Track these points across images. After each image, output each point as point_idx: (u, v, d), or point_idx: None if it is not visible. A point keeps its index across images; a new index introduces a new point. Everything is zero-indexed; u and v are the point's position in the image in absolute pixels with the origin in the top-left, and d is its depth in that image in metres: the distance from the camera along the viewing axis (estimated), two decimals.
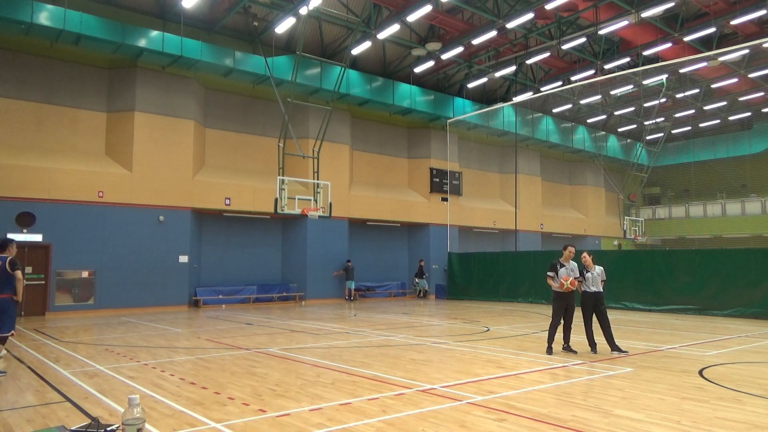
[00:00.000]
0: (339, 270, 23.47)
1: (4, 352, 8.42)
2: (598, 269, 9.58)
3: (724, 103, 32.12)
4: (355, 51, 22.10)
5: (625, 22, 20.74)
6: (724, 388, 6.68)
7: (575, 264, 9.66)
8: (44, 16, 16.73)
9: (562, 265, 9.52)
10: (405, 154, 27.58)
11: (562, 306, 9.51)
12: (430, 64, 24.93)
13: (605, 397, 6.26)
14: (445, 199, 27.16)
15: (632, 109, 33.23)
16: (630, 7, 20.15)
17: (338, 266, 23.54)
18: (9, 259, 8.04)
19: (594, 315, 9.50)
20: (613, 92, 30.17)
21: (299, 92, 21.76)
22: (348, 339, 11.55)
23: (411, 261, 27.61)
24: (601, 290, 9.53)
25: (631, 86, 29.00)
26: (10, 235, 16.65)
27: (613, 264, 18.08)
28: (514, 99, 26.89)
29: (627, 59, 25.80)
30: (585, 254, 9.74)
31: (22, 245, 17.01)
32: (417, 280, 26.29)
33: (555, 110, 31.91)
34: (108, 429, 3.16)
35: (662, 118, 33.45)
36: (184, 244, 19.84)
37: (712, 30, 21.89)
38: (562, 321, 9.60)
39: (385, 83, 24.54)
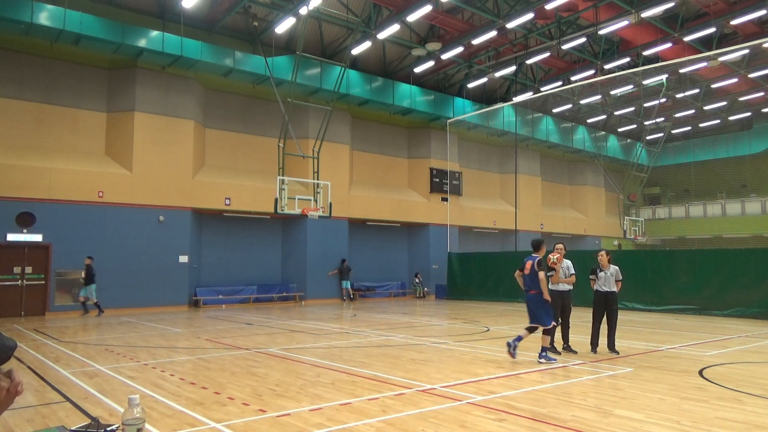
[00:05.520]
0: (333, 270, 23.43)
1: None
2: (613, 269, 9.49)
3: (724, 103, 32.13)
4: (355, 51, 22.09)
5: (625, 22, 20.74)
6: (724, 388, 6.67)
7: (569, 262, 9.67)
8: (44, 16, 16.73)
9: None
10: (405, 154, 27.58)
11: (558, 305, 9.52)
12: (430, 64, 24.93)
13: (605, 397, 6.26)
14: (445, 199, 27.16)
15: (632, 109, 33.24)
16: (630, 7, 20.15)
17: (334, 267, 23.50)
18: (538, 259, 8.64)
19: (605, 314, 9.45)
20: (613, 92, 30.17)
21: (299, 92, 21.76)
22: (348, 339, 11.55)
23: (411, 261, 27.62)
24: (614, 290, 9.42)
25: (631, 86, 29.01)
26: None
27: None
28: (514, 99, 26.90)
29: (627, 59, 25.80)
30: (602, 253, 9.65)
31: (22, 245, 17.04)
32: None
33: (555, 110, 31.91)
34: (108, 429, 3.16)
35: (662, 118, 33.45)
36: (184, 244, 19.83)
37: (712, 30, 21.90)
38: (560, 321, 9.62)
39: (385, 83, 24.54)
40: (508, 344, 8.63)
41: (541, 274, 8.52)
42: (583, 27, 22.83)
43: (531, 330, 8.66)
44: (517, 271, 9.09)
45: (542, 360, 8.47)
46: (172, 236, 19.51)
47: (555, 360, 8.51)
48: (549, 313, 8.54)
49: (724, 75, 27.47)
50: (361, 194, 24.79)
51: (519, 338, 8.63)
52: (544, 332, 8.58)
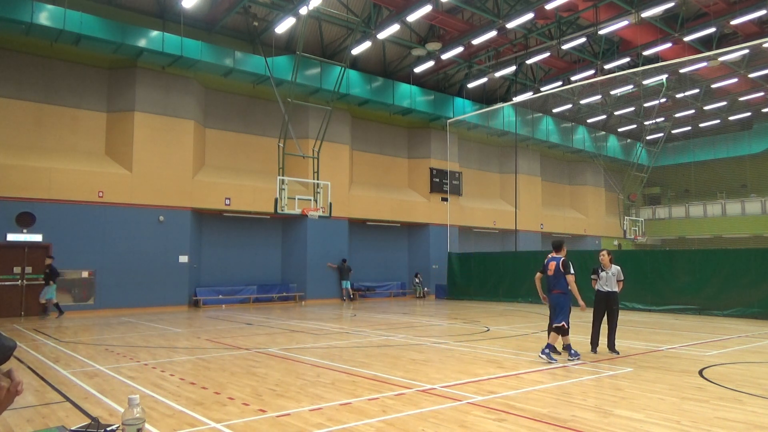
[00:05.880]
0: (334, 264, 23.45)
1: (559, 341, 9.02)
2: (615, 269, 9.47)
3: (724, 103, 32.13)
4: (355, 51, 22.09)
5: (625, 22, 20.74)
6: (724, 388, 6.68)
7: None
8: (44, 16, 16.73)
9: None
10: (405, 154, 27.58)
11: None
12: (430, 64, 24.93)
13: (605, 397, 6.26)
14: (445, 199, 27.16)
15: (632, 109, 33.24)
16: (630, 7, 20.15)
17: (335, 263, 23.51)
18: (562, 260, 8.77)
19: (606, 314, 9.46)
20: (613, 92, 30.17)
21: (299, 92, 21.76)
22: (348, 339, 11.55)
23: (411, 261, 27.62)
24: (615, 290, 9.41)
25: (631, 86, 29.00)
26: (8, 237, 16.68)
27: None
28: (514, 99, 26.89)
29: (627, 59, 25.80)
30: (603, 253, 9.63)
31: (22, 245, 17.04)
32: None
33: (555, 110, 31.91)
34: (108, 429, 3.16)
35: (662, 118, 33.45)
36: (184, 244, 19.83)
37: (712, 30, 21.90)
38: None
39: (385, 83, 24.54)
40: (571, 355, 8.80)
41: (570, 278, 8.66)
42: (583, 27, 22.83)
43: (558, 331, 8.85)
44: (538, 274, 9.18)
45: (543, 356, 8.50)
46: (172, 236, 19.51)
47: (555, 360, 8.51)
48: (565, 313, 8.65)
49: (724, 75, 27.47)
50: (361, 194, 24.79)
51: (569, 346, 8.83)
52: (555, 330, 8.65)
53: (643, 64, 24.31)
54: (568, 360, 8.56)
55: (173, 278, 19.46)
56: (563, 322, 8.63)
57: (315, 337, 11.99)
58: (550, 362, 8.40)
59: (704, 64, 25.25)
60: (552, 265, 8.81)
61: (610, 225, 36.04)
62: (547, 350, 8.57)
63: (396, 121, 26.90)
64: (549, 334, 9.63)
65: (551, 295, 8.82)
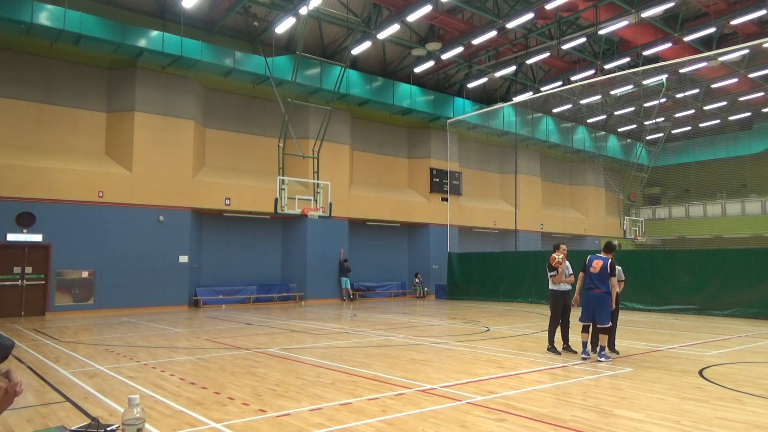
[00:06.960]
0: (342, 257, 23.49)
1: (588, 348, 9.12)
2: (616, 269, 9.50)
3: (724, 103, 32.13)
4: (355, 51, 22.09)
5: (625, 22, 20.74)
6: (724, 388, 6.68)
7: (567, 263, 9.69)
8: (44, 16, 16.73)
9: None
10: (405, 154, 27.58)
11: (559, 305, 9.54)
12: (430, 64, 24.93)
13: (605, 397, 6.26)
14: (445, 199, 27.15)
15: (632, 109, 33.23)
16: (630, 7, 20.15)
17: (335, 267, 23.50)
18: (610, 261, 8.94)
19: None
20: (613, 92, 30.16)
21: (299, 92, 21.76)
22: (348, 339, 11.55)
23: (411, 261, 27.62)
24: (617, 291, 9.46)
25: (631, 86, 29.00)
26: (8, 236, 16.70)
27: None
28: (514, 99, 26.89)
29: (627, 59, 25.79)
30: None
31: (22, 245, 17.04)
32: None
33: (555, 110, 31.90)
34: (108, 429, 3.16)
35: (662, 118, 33.45)
36: (184, 244, 19.83)
37: (712, 30, 21.89)
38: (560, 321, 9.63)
39: (385, 83, 24.54)
40: (584, 358, 8.84)
41: (614, 280, 8.82)
42: (583, 27, 22.82)
43: (587, 330, 8.93)
44: (581, 273, 9.15)
45: (602, 360, 8.56)
46: (172, 236, 19.50)
47: (610, 359, 8.59)
48: (609, 313, 8.73)
49: (724, 75, 27.46)
50: (361, 194, 24.79)
51: (585, 344, 8.93)
52: (603, 331, 8.73)
53: (643, 64, 24.30)
54: (598, 360, 8.60)
55: (173, 278, 19.46)
56: (610, 323, 8.74)
57: (315, 337, 11.99)
58: (608, 360, 8.51)
59: (704, 64, 25.25)
60: (598, 263, 8.85)
61: (610, 225, 36.03)
62: (603, 352, 8.64)
63: (396, 121, 26.90)
64: (550, 333, 9.65)
65: (592, 294, 8.81)
